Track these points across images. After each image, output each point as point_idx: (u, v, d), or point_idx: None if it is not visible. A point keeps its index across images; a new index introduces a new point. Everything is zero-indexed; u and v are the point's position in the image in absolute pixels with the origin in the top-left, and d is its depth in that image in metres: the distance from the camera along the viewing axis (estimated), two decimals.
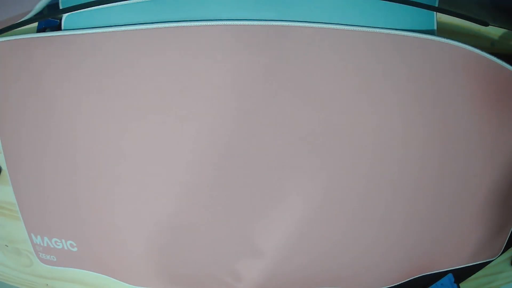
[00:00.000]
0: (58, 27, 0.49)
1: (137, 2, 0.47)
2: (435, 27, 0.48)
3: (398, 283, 0.60)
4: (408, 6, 0.46)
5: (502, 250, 0.61)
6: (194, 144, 0.51)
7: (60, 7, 0.48)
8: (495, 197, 0.57)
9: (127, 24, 0.47)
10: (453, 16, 0.48)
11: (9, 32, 0.49)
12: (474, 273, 0.63)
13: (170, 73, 0.48)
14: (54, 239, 0.60)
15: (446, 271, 0.62)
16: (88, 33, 0.48)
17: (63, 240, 0.59)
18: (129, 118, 0.51)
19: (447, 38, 0.47)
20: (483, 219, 0.58)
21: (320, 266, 0.58)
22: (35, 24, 0.51)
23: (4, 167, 0.57)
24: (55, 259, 0.61)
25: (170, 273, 0.59)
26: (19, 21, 0.48)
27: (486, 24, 0.49)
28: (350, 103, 0.49)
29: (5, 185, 0.59)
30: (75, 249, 0.60)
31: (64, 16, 0.48)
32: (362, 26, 0.46)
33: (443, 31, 0.49)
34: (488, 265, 0.63)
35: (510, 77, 0.49)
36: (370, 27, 0.46)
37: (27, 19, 0.49)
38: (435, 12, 0.47)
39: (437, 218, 0.56)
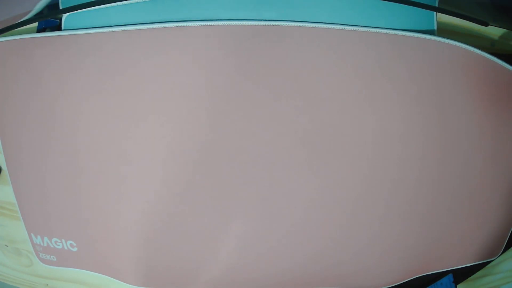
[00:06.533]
0: (58, 27, 0.49)
1: (137, 2, 0.47)
2: (435, 27, 0.48)
3: (398, 283, 0.60)
4: (408, 6, 0.46)
5: (502, 250, 0.61)
6: (195, 143, 0.51)
7: (60, 7, 0.48)
8: (495, 197, 0.57)
9: (127, 24, 0.47)
10: (453, 16, 0.48)
11: (9, 32, 0.49)
12: (474, 273, 0.63)
13: (170, 72, 0.48)
14: (54, 239, 0.60)
15: (446, 271, 0.62)
16: (88, 33, 0.48)
17: (63, 240, 0.59)
18: (129, 117, 0.51)
19: (447, 38, 0.47)
20: (483, 219, 0.58)
21: (319, 266, 0.58)
22: (35, 24, 0.51)
23: (4, 167, 0.57)
24: (55, 259, 0.61)
25: (169, 274, 0.59)
26: (19, 21, 0.48)
27: (486, 24, 0.49)
28: (350, 103, 0.49)
29: (5, 185, 0.59)
30: (75, 249, 0.60)
31: (64, 16, 0.48)
32: (362, 26, 0.46)
33: (443, 31, 0.49)
34: (488, 265, 0.63)
35: (510, 77, 0.49)
36: (370, 27, 0.46)
37: (27, 19, 0.49)
38: (435, 12, 0.47)
39: (437, 218, 0.56)
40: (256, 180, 0.52)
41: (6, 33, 0.49)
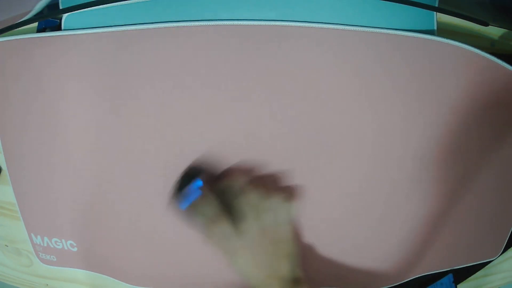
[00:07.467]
0: (58, 27, 0.49)
1: (137, 2, 0.47)
2: (435, 27, 0.48)
3: (398, 283, 0.60)
4: (408, 6, 0.46)
5: (502, 250, 0.61)
6: (194, 144, 0.51)
7: (60, 7, 0.48)
8: (495, 197, 0.57)
9: (127, 24, 0.47)
10: (453, 16, 0.48)
11: (9, 32, 0.49)
12: (474, 273, 0.63)
13: (170, 73, 0.48)
14: (54, 239, 0.60)
15: (446, 271, 0.62)
16: (88, 33, 0.48)
17: (63, 240, 0.59)
18: (129, 117, 0.51)
19: (447, 38, 0.47)
20: (483, 219, 0.58)
21: (317, 266, 0.58)
22: (35, 24, 0.51)
23: (4, 167, 0.57)
24: (55, 259, 0.62)
25: (169, 273, 0.59)
26: (19, 21, 0.48)
27: (486, 24, 0.49)
28: (349, 103, 0.49)
29: (5, 185, 0.59)
30: (75, 249, 0.60)
31: (64, 16, 0.48)
32: (362, 26, 0.46)
33: (443, 31, 0.49)
34: (488, 265, 0.63)
35: (510, 77, 0.49)
36: (370, 27, 0.46)
37: (27, 19, 0.49)
38: (435, 12, 0.47)
39: (437, 218, 0.56)
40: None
41: (6, 33, 0.49)
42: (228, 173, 0.51)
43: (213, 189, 0.49)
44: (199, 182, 0.50)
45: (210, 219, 0.48)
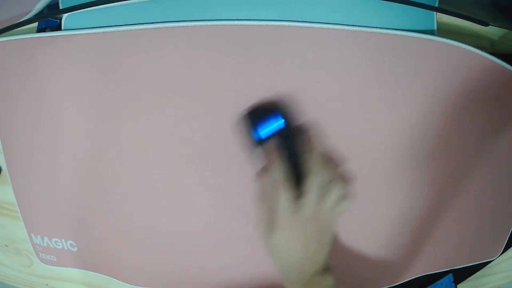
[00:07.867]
0: (58, 27, 0.49)
1: (137, 2, 0.47)
2: (435, 27, 0.48)
3: (398, 283, 0.60)
4: (408, 6, 0.46)
5: (502, 250, 0.61)
6: (193, 144, 0.51)
7: (60, 7, 0.48)
8: (495, 197, 0.57)
9: (127, 24, 0.47)
10: (453, 16, 0.48)
11: (9, 32, 0.49)
12: (474, 273, 0.63)
13: (170, 73, 0.48)
14: (54, 239, 0.60)
15: (446, 271, 0.62)
16: (88, 33, 0.48)
17: (63, 240, 0.59)
18: (129, 118, 0.51)
19: (447, 38, 0.47)
20: (483, 219, 0.58)
21: None
22: (35, 24, 0.51)
23: (4, 167, 0.57)
24: (55, 259, 0.62)
25: (169, 273, 0.59)
26: (19, 21, 0.48)
27: (486, 24, 0.49)
28: (349, 103, 0.49)
29: (5, 185, 0.59)
30: (75, 249, 0.60)
31: (64, 16, 0.48)
32: (362, 26, 0.46)
33: (443, 31, 0.49)
34: (488, 265, 0.63)
35: (510, 77, 0.49)
36: (370, 27, 0.46)
37: (27, 19, 0.49)
38: (435, 12, 0.47)
39: (436, 218, 0.56)
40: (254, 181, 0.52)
41: (6, 33, 0.49)
42: (307, 139, 0.48)
43: (286, 152, 0.46)
44: (280, 117, 0.46)
45: (278, 180, 0.45)
